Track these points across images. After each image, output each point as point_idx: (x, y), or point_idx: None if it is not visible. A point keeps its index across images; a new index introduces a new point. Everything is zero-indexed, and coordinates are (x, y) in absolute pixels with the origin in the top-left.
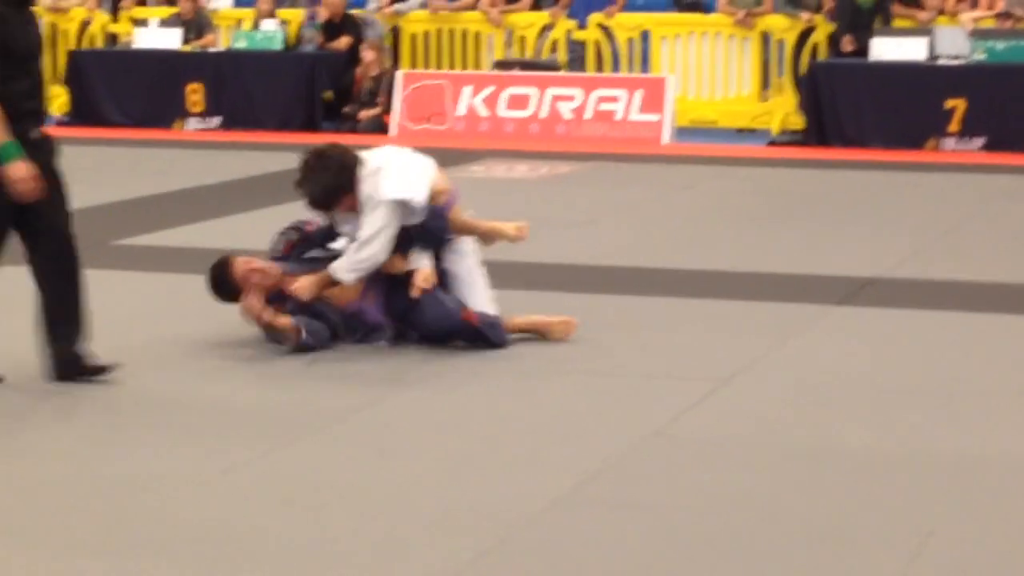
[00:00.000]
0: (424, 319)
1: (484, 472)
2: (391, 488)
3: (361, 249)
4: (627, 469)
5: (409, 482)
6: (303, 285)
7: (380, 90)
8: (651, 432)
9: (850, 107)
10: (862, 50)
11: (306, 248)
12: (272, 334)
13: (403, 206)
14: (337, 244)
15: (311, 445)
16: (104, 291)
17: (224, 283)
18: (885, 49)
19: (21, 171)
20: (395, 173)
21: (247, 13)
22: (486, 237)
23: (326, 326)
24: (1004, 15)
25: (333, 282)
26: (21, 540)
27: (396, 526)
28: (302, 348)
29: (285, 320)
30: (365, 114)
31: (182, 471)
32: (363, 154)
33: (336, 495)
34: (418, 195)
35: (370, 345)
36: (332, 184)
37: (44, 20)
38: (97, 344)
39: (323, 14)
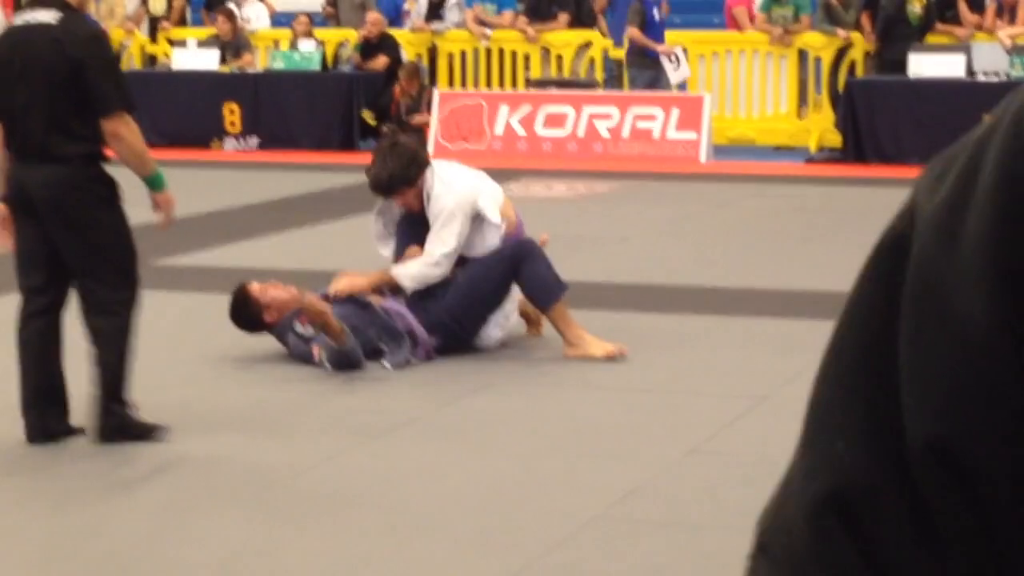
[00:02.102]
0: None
1: (521, 490)
2: (427, 506)
3: (436, 266)
4: (665, 487)
5: (444, 500)
6: (357, 281)
7: (419, 109)
8: (689, 450)
9: (888, 124)
10: (901, 66)
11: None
12: (317, 338)
13: (482, 227)
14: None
15: (344, 462)
16: (146, 311)
17: (244, 310)
18: (923, 65)
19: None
20: (484, 193)
21: (284, 33)
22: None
23: (358, 345)
24: None
25: (383, 285)
26: None
27: (431, 545)
28: (341, 359)
29: (338, 323)
30: (420, 119)
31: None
32: (434, 160)
33: (369, 512)
34: (497, 218)
35: (394, 364)
36: (399, 173)
37: None
38: (140, 363)
39: (361, 34)
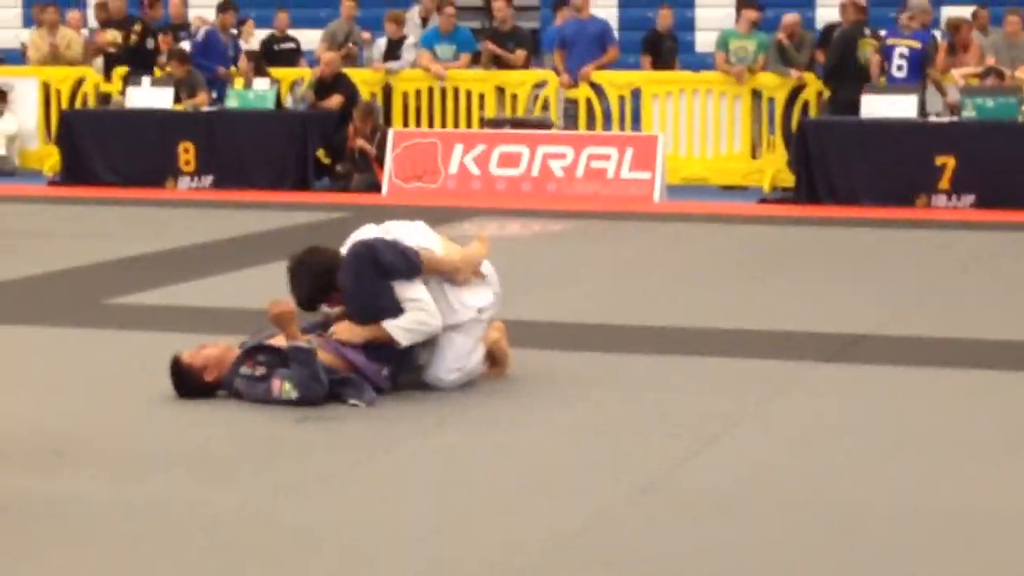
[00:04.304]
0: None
1: (467, 528)
2: (375, 547)
3: (426, 322)
4: (615, 525)
5: (391, 539)
6: (352, 330)
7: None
8: (639, 488)
9: (840, 164)
10: (854, 106)
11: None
12: (276, 371)
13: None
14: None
15: (298, 502)
16: (95, 350)
17: (183, 379)
18: (875, 106)
19: None
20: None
21: (237, 73)
22: (457, 273)
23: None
24: (986, 73)
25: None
26: None
27: None
28: (311, 382)
29: (305, 338)
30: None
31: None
32: (389, 222)
33: (312, 553)
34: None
35: (347, 404)
36: (314, 293)
37: (37, 79)
38: (91, 402)
39: (315, 72)
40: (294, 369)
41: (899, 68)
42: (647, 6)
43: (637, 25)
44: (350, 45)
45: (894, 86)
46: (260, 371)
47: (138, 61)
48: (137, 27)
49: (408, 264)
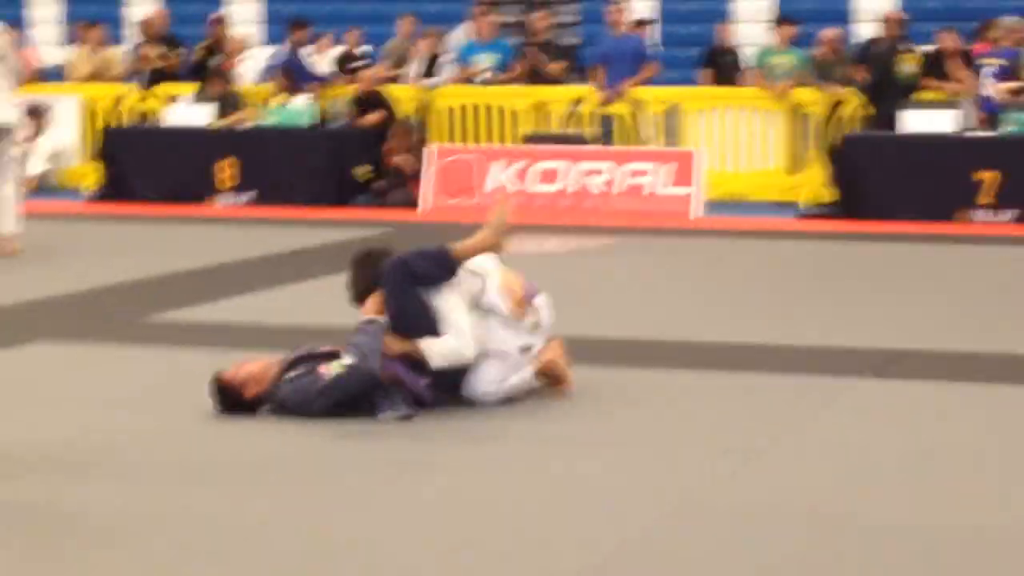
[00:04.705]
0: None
1: (509, 546)
2: (411, 564)
3: (461, 353)
4: (653, 543)
5: (430, 558)
6: (391, 341)
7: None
8: (681, 505)
9: (879, 180)
10: (892, 122)
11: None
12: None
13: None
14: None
15: (335, 518)
16: (136, 367)
17: (225, 397)
18: (914, 122)
19: None
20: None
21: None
22: (492, 246)
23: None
24: (1020, 89)
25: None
26: None
27: None
28: (358, 363)
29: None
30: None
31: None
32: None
33: (350, 570)
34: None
35: (383, 419)
36: (369, 288)
37: (78, 97)
38: (131, 417)
39: (355, 89)
40: (358, 337)
41: (986, 86)
42: (691, 22)
43: (681, 41)
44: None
45: (933, 101)
46: (302, 369)
47: (203, 78)
48: (203, 44)
49: (442, 266)
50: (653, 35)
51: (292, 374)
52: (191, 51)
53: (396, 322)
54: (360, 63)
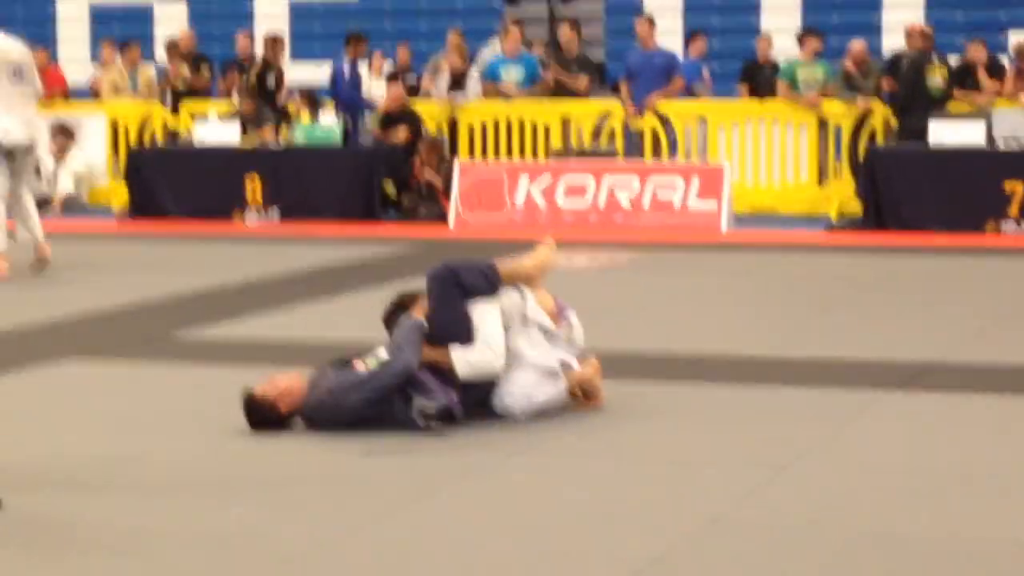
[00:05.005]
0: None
1: (539, 562)
2: None
3: (491, 364)
4: (684, 558)
5: (459, 573)
6: (430, 352)
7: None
8: (711, 519)
9: (908, 192)
10: (922, 133)
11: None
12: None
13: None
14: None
15: (364, 536)
16: (166, 384)
17: (259, 413)
18: (943, 133)
19: None
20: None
21: (303, 107)
22: (530, 279)
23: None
24: None
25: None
26: None
27: None
28: (396, 356)
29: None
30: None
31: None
32: None
33: None
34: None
35: (413, 414)
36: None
37: (106, 116)
38: (161, 434)
39: (381, 107)
40: (397, 334)
41: None
42: (719, 34)
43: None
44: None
45: (962, 113)
46: (337, 369)
47: (262, 98)
48: (257, 65)
49: (489, 281)
50: (703, 49)
51: (328, 374)
52: (219, 69)
53: (435, 328)
54: (410, 78)
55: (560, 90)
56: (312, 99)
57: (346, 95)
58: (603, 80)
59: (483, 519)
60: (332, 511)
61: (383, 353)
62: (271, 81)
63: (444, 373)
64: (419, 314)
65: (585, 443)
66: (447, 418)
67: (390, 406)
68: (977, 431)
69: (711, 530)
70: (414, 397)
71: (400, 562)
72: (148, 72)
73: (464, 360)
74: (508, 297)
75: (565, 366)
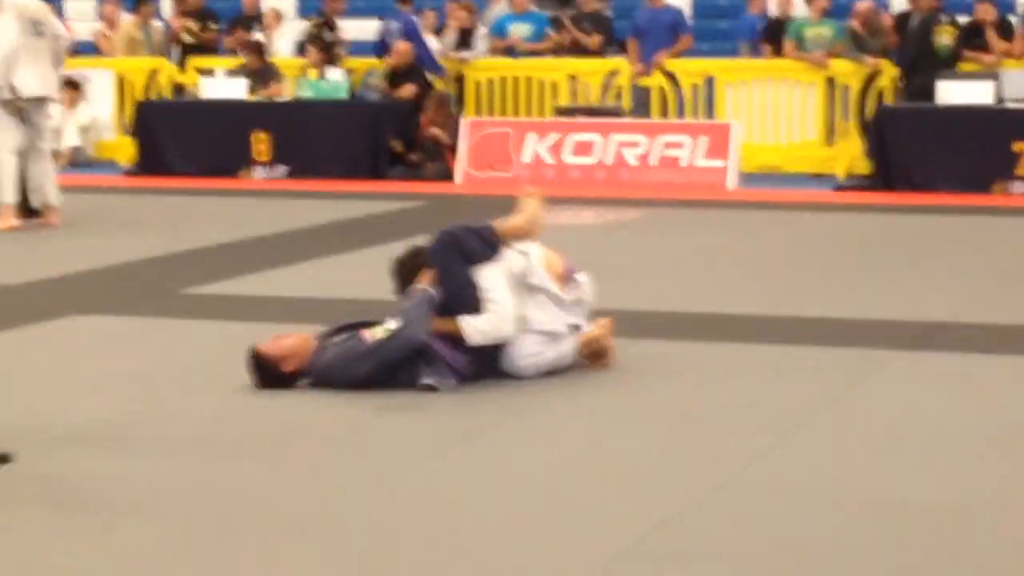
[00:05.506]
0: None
1: (547, 522)
2: (454, 538)
3: (501, 328)
4: (697, 519)
5: (469, 532)
6: (440, 323)
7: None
8: (720, 481)
9: (916, 152)
10: (929, 93)
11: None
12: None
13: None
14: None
15: (375, 494)
16: (172, 340)
17: (263, 371)
18: (951, 93)
19: None
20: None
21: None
22: (527, 234)
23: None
24: None
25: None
26: None
27: None
28: (405, 326)
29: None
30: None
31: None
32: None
33: (399, 544)
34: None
35: (421, 384)
36: (408, 282)
37: (113, 71)
38: (168, 391)
39: (388, 62)
40: (405, 303)
41: None
42: None
43: (713, 12)
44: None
45: (971, 72)
46: (344, 336)
47: (319, 51)
48: (317, 19)
49: (489, 245)
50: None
51: (335, 339)
52: (223, 25)
53: (443, 297)
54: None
55: (570, 47)
56: (330, 52)
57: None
58: (611, 38)
59: (490, 478)
60: (342, 469)
61: (391, 323)
62: (328, 35)
63: (454, 339)
64: (428, 282)
65: (594, 403)
66: (457, 379)
67: (396, 375)
68: (987, 391)
69: (720, 493)
70: (421, 367)
71: (408, 520)
72: (158, 28)
73: (475, 328)
74: (513, 261)
75: (574, 328)
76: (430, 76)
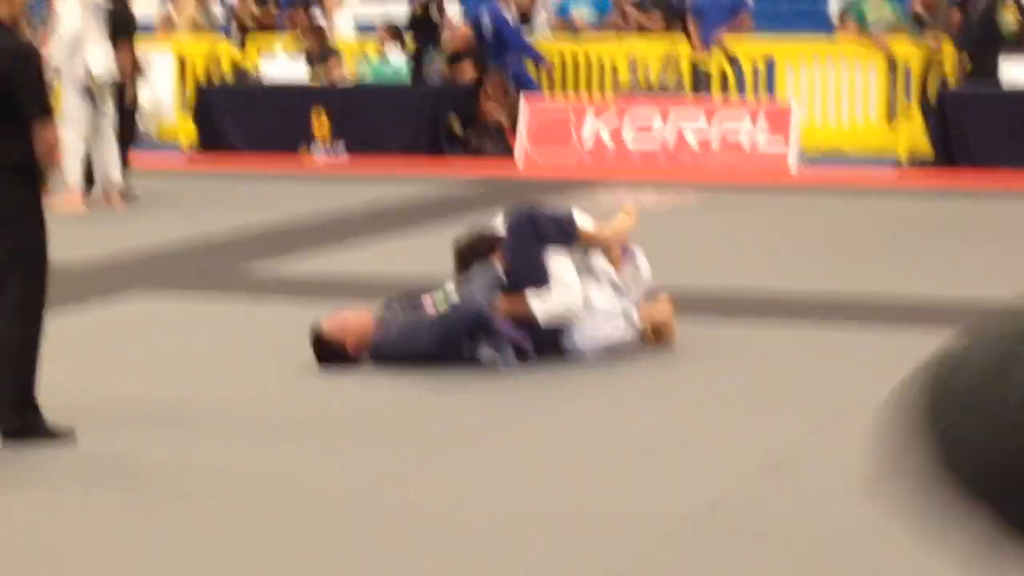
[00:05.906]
0: None
1: (599, 502)
2: (503, 519)
3: (571, 309)
4: (750, 499)
5: (521, 512)
6: (507, 304)
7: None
8: (773, 462)
9: (979, 133)
10: (992, 73)
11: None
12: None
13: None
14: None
15: (424, 473)
16: (233, 319)
17: (325, 349)
18: (1016, 73)
19: None
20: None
21: (371, 44)
22: (607, 247)
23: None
24: None
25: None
26: None
27: (508, 557)
28: (463, 300)
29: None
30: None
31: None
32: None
33: (444, 525)
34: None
35: (480, 358)
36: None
37: (173, 53)
38: (228, 370)
39: (448, 45)
40: (472, 277)
41: None
42: None
43: None
44: None
45: None
46: (405, 304)
47: (424, 32)
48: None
49: (567, 233)
50: None
51: (395, 309)
52: (285, 6)
53: (511, 273)
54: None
55: (630, 27)
56: (396, 33)
57: (515, 39)
58: (671, 17)
59: (541, 459)
60: (395, 448)
61: (453, 293)
62: (435, 15)
63: (518, 318)
64: (497, 261)
65: (650, 384)
66: (518, 356)
67: (458, 349)
68: None
69: (773, 474)
70: (483, 344)
71: (457, 503)
72: (217, 13)
73: (542, 308)
74: (576, 252)
75: (632, 308)
76: (528, 63)
